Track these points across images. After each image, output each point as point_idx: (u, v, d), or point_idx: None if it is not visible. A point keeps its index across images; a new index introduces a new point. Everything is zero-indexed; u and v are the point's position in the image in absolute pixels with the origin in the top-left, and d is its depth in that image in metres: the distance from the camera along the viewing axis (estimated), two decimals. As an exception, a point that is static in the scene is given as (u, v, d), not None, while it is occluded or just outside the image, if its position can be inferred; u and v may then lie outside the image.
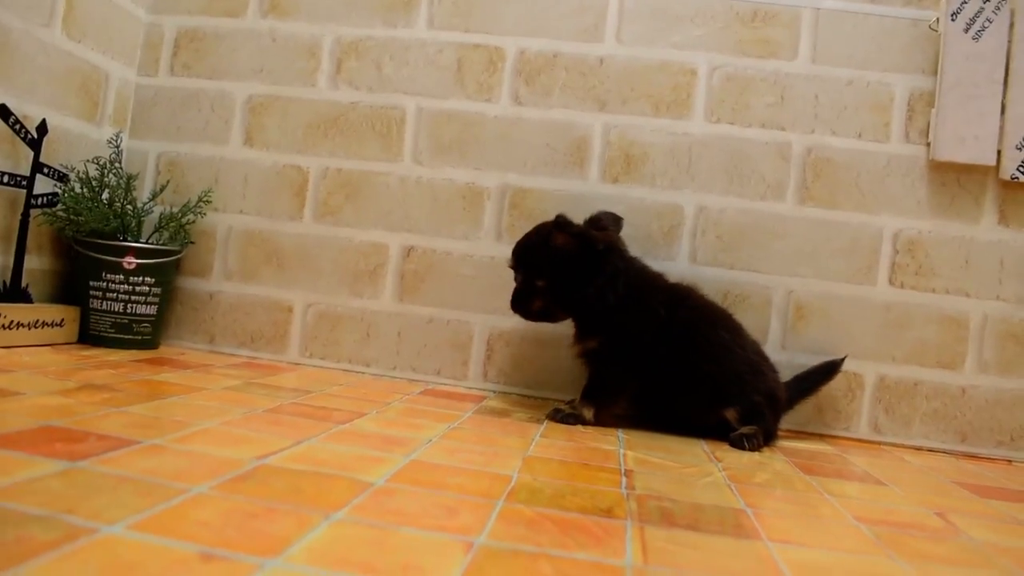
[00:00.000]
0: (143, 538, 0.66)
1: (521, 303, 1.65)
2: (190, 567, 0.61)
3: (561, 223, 1.58)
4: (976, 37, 1.77)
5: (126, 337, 1.82)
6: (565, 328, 1.76)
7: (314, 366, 1.94)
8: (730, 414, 1.57)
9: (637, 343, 1.58)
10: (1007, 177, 1.77)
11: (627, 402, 1.63)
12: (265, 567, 0.63)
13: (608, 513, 0.92)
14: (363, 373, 1.92)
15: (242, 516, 0.74)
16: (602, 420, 1.59)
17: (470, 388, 1.90)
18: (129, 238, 1.85)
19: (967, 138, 1.77)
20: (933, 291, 1.81)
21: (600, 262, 1.59)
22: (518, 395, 1.88)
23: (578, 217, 1.65)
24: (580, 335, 1.65)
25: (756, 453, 1.48)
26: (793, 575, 0.77)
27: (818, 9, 1.86)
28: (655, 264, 1.73)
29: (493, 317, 1.90)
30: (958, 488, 1.37)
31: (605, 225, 1.66)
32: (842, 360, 1.76)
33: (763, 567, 0.79)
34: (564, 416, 1.57)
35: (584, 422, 1.57)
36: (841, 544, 0.92)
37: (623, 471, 1.17)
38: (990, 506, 1.24)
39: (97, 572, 0.58)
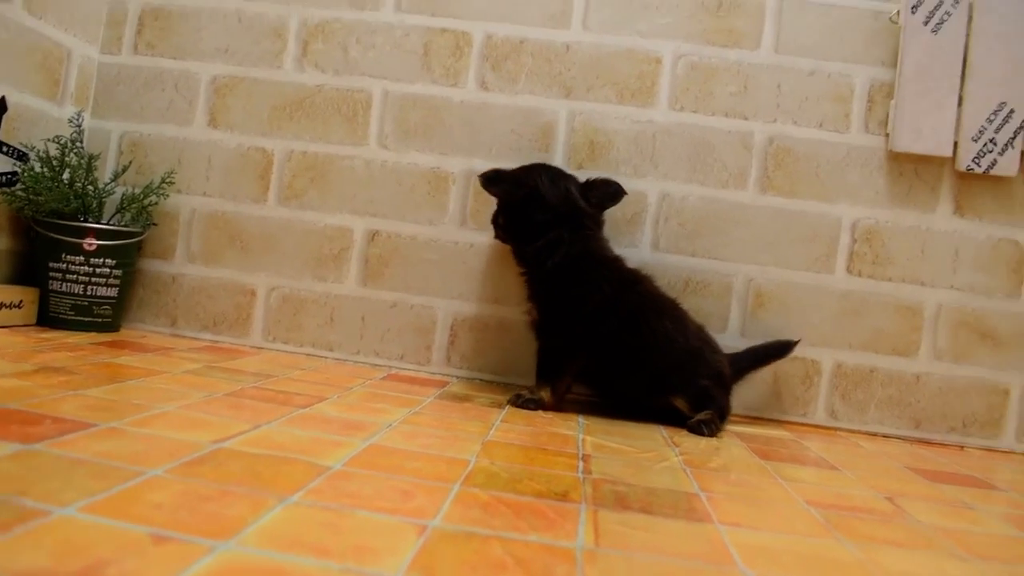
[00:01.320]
0: (96, 520, 0.66)
1: (493, 218, 1.76)
2: (142, 549, 0.61)
3: (542, 170, 1.70)
4: (935, 30, 1.79)
5: (86, 319, 1.80)
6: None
7: (277, 350, 1.93)
8: (679, 402, 1.59)
9: (575, 316, 1.60)
10: (963, 168, 1.80)
11: (578, 379, 1.66)
12: (217, 549, 0.63)
13: (563, 497, 0.93)
14: (326, 358, 1.92)
15: (196, 499, 0.75)
16: (561, 402, 1.61)
17: (433, 373, 1.90)
18: (90, 219, 1.83)
19: (924, 129, 1.80)
20: (890, 280, 1.84)
21: (547, 226, 1.64)
22: (481, 380, 1.89)
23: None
24: (528, 298, 1.69)
25: (714, 439, 1.50)
26: (742, 557, 0.79)
27: (782, -1, 1.88)
28: (618, 251, 1.74)
29: (457, 302, 1.91)
30: (909, 473, 1.41)
31: (591, 196, 1.70)
32: (796, 342, 1.79)
33: (713, 549, 0.81)
34: (524, 401, 1.58)
35: (543, 405, 1.58)
36: (791, 527, 0.94)
37: (581, 456, 1.19)
38: (939, 490, 1.27)
39: (48, 554, 0.58)
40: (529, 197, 1.67)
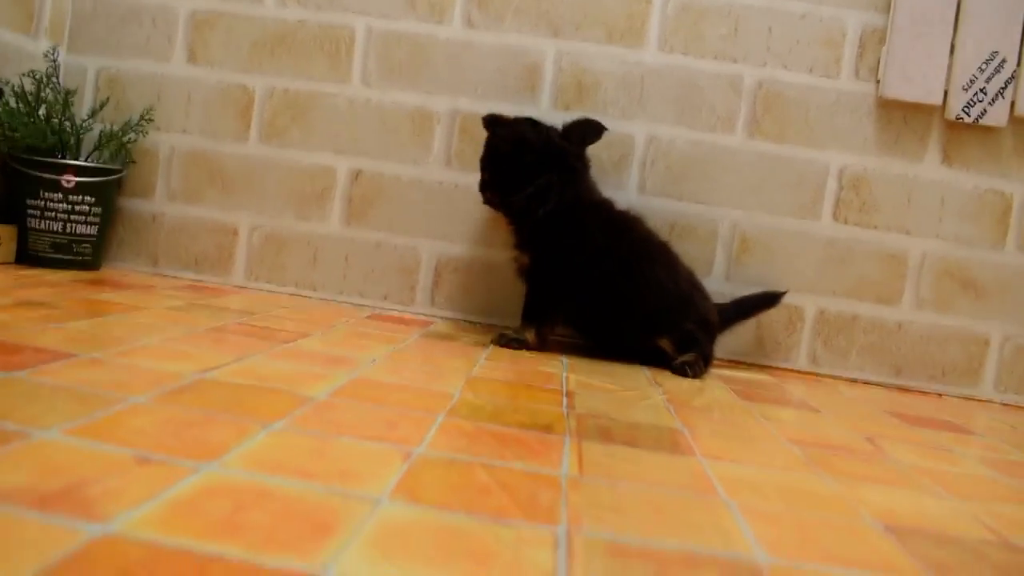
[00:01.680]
0: (78, 442, 0.65)
1: (481, 184, 1.66)
2: (125, 469, 0.61)
3: (525, 120, 1.65)
4: (928, -26, 1.77)
5: (66, 257, 1.78)
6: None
7: (260, 290, 1.92)
8: (664, 343, 1.60)
9: (568, 263, 1.59)
10: (952, 117, 1.79)
11: (564, 322, 1.68)
12: (201, 470, 0.63)
13: (547, 429, 0.93)
14: (310, 297, 1.91)
15: (180, 424, 0.74)
16: (544, 342, 1.61)
17: (417, 314, 1.90)
18: (68, 156, 1.80)
19: (915, 77, 1.79)
20: (875, 228, 1.84)
21: (534, 171, 1.59)
22: (466, 321, 1.89)
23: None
24: (516, 245, 1.67)
25: (697, 380, 1.51)
26: (724, 487, 0.79)
27: (775, -60, 1.85)
28: (606, 193, 1.73)
29: (441, 243, 1.89)
30: (889, 417, 1.42)
31: (572, 135, 1.65)
32: (783, 293, 1.79)
33: (695, 480, 0.81)
34: (508, 340, 1.58)
35: (527, 345, 1.58)
36: (772, 462, 0.95)
37: (565, 392, 1.19)
38: (917, 433, 1.29)
39: (29, 474, 0.57)
40: (516, 144, 1.62)
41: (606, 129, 1.68)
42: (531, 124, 1.64)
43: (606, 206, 1.68)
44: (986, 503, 0.89)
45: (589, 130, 1.67)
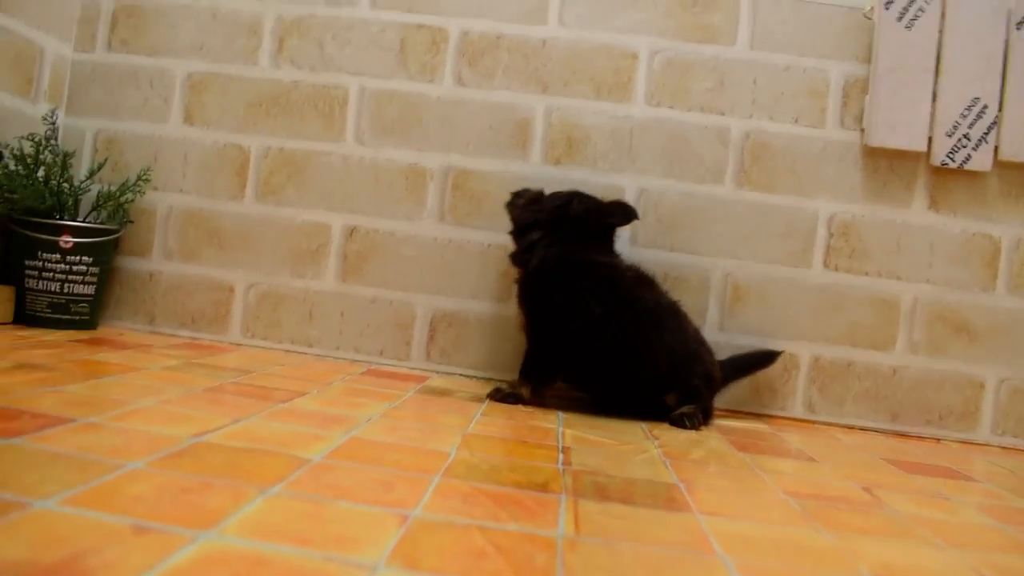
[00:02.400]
0: (76, 512, 0.66)
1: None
2: (123, 539, 0.61)
3: (565, 195, 1.70)
4: (909, 26, 1.81)
5: (64, 317, 1.79)
6: (508, 308, 1.80)
7: (256, 346, 1.92)
8: (670, 399, 1.60)
9: (561, 328, 1.58)
10: (937, 163, 1.82)
11: (566, 380, 1.66)
12: (199, 539, 0.63)
13: (543, 488, 0.94)
14: (305, 353, 1.92)
15: (177, 491, 0.74)
16: (541, 398, 1.61)
17: (413, 368, 1.90)
18: (66, 216, 1.82)
19: (899, 124, 1.82)
20: (866, 274, 1.86)
21: (528, 230, 1.67)
22: (461, 375, 1.89)
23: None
24: (517, 300, 1.69)
25: (694, 432, 1.51)
26: (721, 545, 0.80)
27: (757, -4, 1.89)
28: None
29: (436, 298, 1.91)
30: (886, 464, 1.42)
31: (599, 210, 1.69)
32: (779, 353, 1.80)
33: (692, 537, 0.81)
34: (504, 395, 1.58)
35: (523, 401, 1.58)
36: (769, 516, 0.95)
37: (560, 448, 1.19)
38: (915, 481, 1.29)
39: (28, 546, 0.58)
40: (522, 207, 1.70)
41: (635, 216, 1.69)
42: (569, 195, 1.70)
43: (607, 270, 1.63)
44: (984, 553, 0.90)
45: (616, 211, 1.68)
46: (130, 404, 1.10)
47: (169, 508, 0.69)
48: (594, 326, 1.57)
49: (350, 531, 0.70)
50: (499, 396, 1.59)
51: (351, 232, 1.93)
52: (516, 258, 1.69)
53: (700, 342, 1.68)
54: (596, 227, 1.68)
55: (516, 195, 1.74)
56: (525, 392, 1.59)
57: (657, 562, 0.72)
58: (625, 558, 0.73)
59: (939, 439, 1.83)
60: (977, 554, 0.88)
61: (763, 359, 1.80)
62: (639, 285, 1.65)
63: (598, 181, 1.88)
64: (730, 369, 1.76)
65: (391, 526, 0.72)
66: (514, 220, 1.72)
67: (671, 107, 1.89)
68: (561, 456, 1.13)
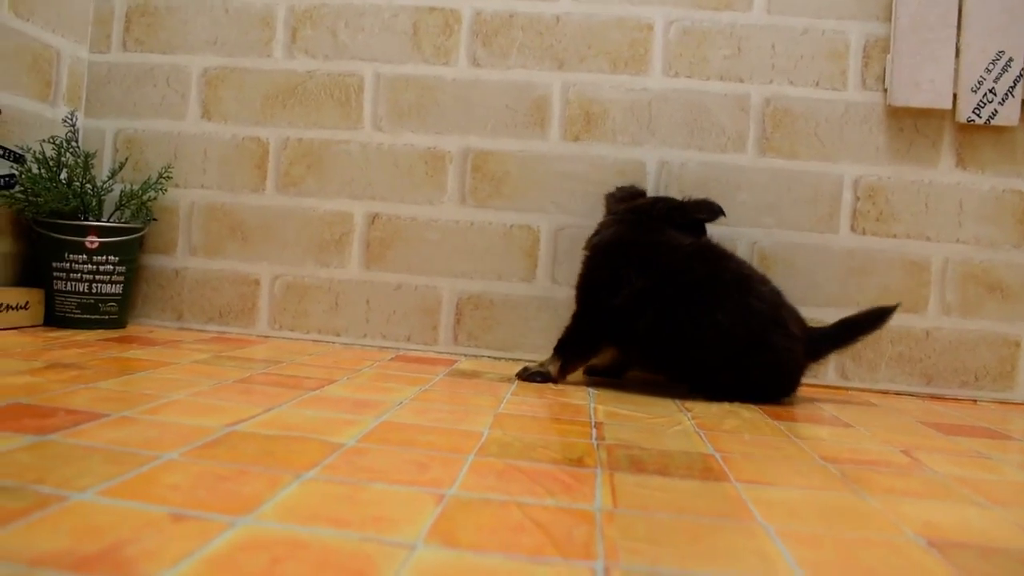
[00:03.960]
0: (113, 503, 0.66)
1: None
2: (161, 528, 0.61)
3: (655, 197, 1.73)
4: (929, -19, 1.78)
5: (92, 317, 1.80)
6: (533, 289, 1.80)
7: (284, 338, 1.93)
8: (723, 378, 1.52)
9: (602, 303, 1.55)
10: (963, 120, 1.79)
11: (607, 357, 1.65)
12: (236, 524, 0.63)
13: (578, 463, 0.93)
14: (333, 343, 1.92)
15: (213, 479, 0.75)
16: (564, 377, 1.59)
17: (441, 353, 1.90)
18: (90, 217, 1.83)
19: (923, 83, 1.79)
20: (894, 236, 1.83)
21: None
22: (490, 357, 1.89)
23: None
24: None
25: (726, 403, 1.49)
26: (760, 511, 0.79)
27: (772, -41, 1.86)
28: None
29: (461, 281, 1.90)
30: (924, 427, 1.40)
31: (632, 195, 1.74)
32: (894, 307, 1.62)
33: (731, 505, 0.81)
34: (531, 374, 1.58)
35: (551, 379, 1.57)
36: (808, 482, 0.94)
37: (593, 423, 1.19)
38: (954, 442, 1.27)
39: (67, 537, 0.58)
40: (622, 197, 1.75)
41: (722, 213, 1.64)
42: (658, 197, 1.72)
43: (659, 247, 1.57)
44: (1028, 510, 0.88)
45: (704, 207, 1.64)
46: (162, 398, 1.10)
47: (206, 496, 0.70)
48: (636, 300, 1.51)
49: (387, 512, 0.70)
50: (526, 375, 1.58)
51: (373, 219, 1.92)
52: (586, 243, 1.67)
53: (775, 323, 1.52)
54: (682, 223, 1.62)
55: (618, 188, 1.77)
56: (553, 370, 1.57)
57: (696, 531, 0.72)
58: (664, 528, 0.72)
59: (976, 400, 1.81)
60: (1021, 511, 0.87)
61: (874, 319, 1.62)
62: (694, 259, 1.56)
63: (618, 155, 1.86)
64: (836, 335, 1.62)
65: (428, 505, 0.72)
66: (607, 211, 1.74)
67: (689, 77, 1.87)
68: (594, 431, 1.13)
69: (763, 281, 1.58)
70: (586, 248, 1.65)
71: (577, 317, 1.61)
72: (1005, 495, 0.94)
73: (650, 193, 1.84)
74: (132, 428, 0.92)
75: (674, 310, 1.50)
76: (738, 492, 0.86)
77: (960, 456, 1.16)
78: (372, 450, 0.91)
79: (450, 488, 0.78)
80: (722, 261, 1.58)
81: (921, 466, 1.06)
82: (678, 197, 1.70)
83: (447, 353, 1.90)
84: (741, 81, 1.86)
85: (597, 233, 1.66)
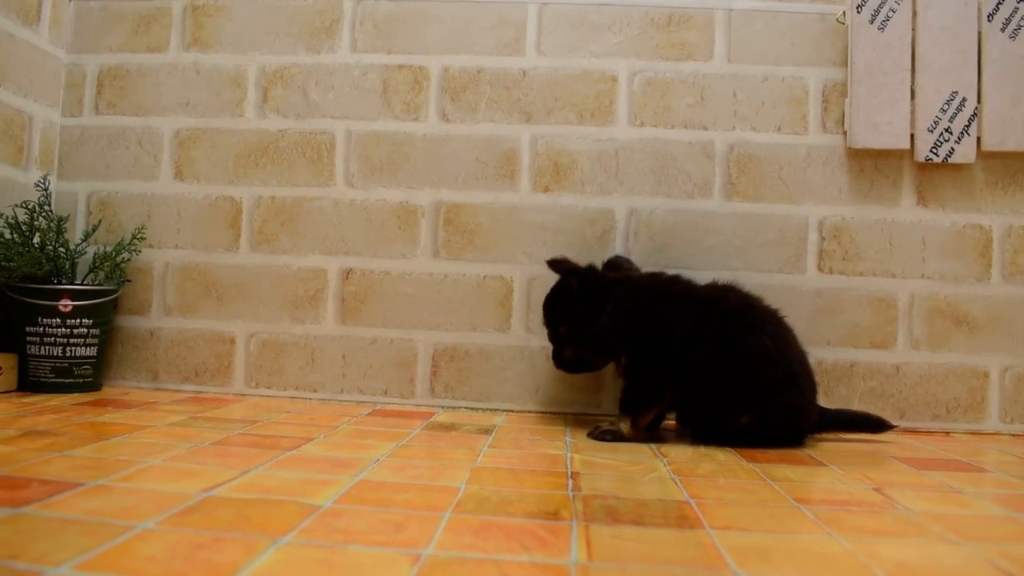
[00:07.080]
0: (89, 578, 0.66)
1: (555, 354, 1.70)
2: (137, 602, 0.62)
3: (570, 269, 1.65)
4: (881, 27, 1.83)
5: (67, 381, 1.79)
6: (508, 339, 1.80)
7: (260, 396, 1.93)
8: (746, 419, 1.53)
9: (661, 349, 1.54)
10: (921, 159, 1.83)
11: (664, 408, 1.62)
12: (212, 595, 0.63)
13: (554, 515, 0.94)
14: (310, 399, 1.92)
15: (189, 548, 0.75)
16: (641, 434, 1.56)
17: (418, 405, 1.90)
18: (64, 280, 1.83)
19: (881, 124, 1.83)
20: (861, 274, 1.87)
21: (607, 292, 1.61)
22: (467, 408, 1.89)
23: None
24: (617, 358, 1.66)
25: (700, 447, 1.50)
26: (734, 559, 0.80)
27: (730, 10, 1.91)
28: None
29: (436, 333, 1.91)
30: (896, 462, 1.42)
31: (619, 264, 1.74)
32: (892, 426, 1.68)
33: (705, 554, 0.82)
34: (602, 432, 1.56)
35: (623, 437, 1.54)
36: (782, 526, 0.95)
37: (569, 474, 1.19)
38: (927, 477, 1.29)
39: (43, 615, 0.58)
40: (591, 284, 1.68)
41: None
42: (581, 277, 1.67)
43: (684, 288, 1.63)
44: (1000, 544, 0.90)
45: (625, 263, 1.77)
46: (138, 464, 1.10)
47: (182, 566, 0.70)
48: (686, 336, 1.53)
49: (363, 575, 0.70)
50: (598, 433, 1.56)
51: (347, 274, 1.94)
52: (605, 331, 1.61)
53: (804, 368, 1.58)
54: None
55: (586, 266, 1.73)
56: (624, 427, 1.55)
57: (670, 582, 0.73)
58: (638, 580, 0.73)
59: (949, 432, 1.83)
60: (993, 546, 0.88)
61: (872, 425, 1.68)
62: (721, 291, 1.63)
63: (587, 205, 1.89)
64: (831, 420, 1.67)
65: (404, 567, 0.73)
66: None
67: (654, 126, 1.91)
68: (571, 482, 1.14)
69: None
70: (607, 318, 1.59)
71: (638, 371, 1.58)
72: (976, 531, 0.95)
73: (619, 241, 1.87)
74: (107, 497, 0.92)
75: (724, 335, 1.53)
76: (712, 540, 0.87)
77: (932, 491, 1.17)
78: (349, 511, 0.91)
79: (426, 548, 0.79)
80: (744, 292, 1.64)
81: (893, 504, 1.08)
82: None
83: (424, 405, 1.90)
84: (705, 129, 1.90)
85: (611, 301, 1.60)
